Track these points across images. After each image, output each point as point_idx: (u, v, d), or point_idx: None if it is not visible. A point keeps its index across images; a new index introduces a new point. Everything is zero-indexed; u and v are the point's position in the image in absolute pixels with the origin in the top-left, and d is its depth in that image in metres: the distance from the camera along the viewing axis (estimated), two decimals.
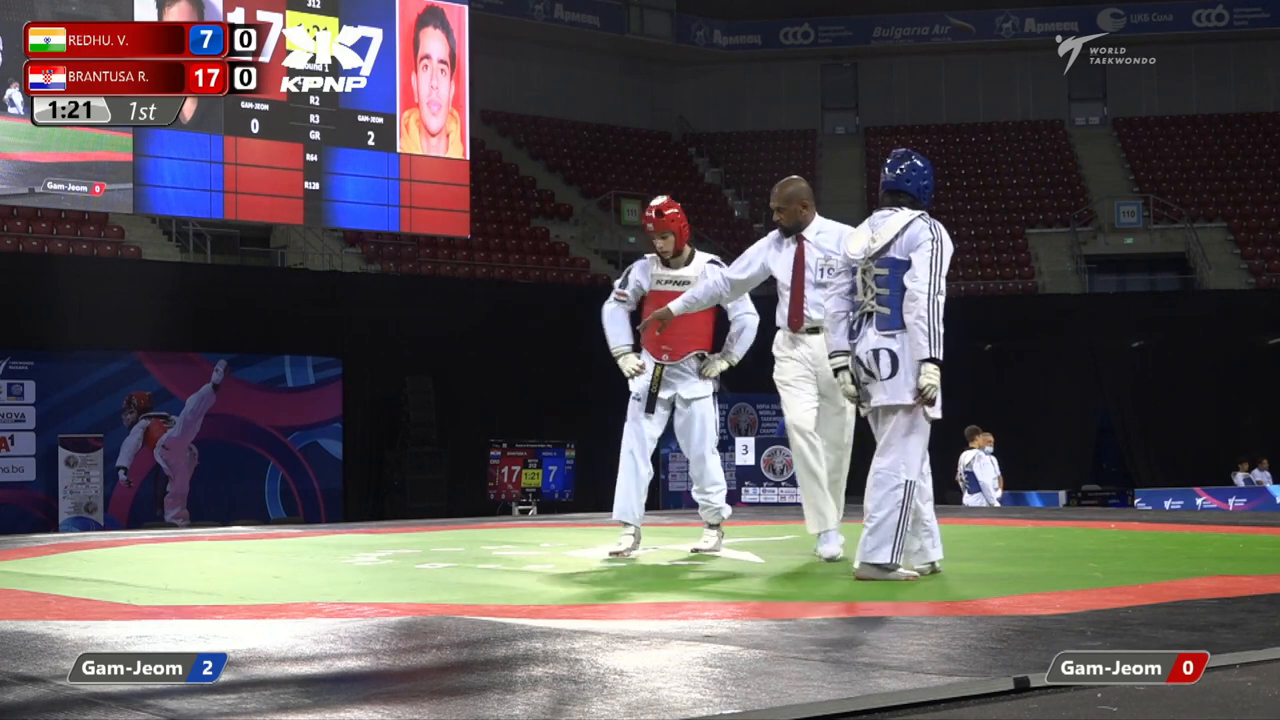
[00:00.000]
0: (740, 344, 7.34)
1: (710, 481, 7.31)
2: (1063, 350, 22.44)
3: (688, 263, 7.30)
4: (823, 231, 6.62)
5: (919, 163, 5.93)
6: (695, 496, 7.44)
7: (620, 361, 7.35)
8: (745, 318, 7.31)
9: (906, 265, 5.66)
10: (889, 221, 5.76)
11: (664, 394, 7.22)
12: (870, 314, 5.73)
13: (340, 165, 18.50)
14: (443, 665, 3.87)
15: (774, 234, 6.75)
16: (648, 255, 7.44)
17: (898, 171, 5.90)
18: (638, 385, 7.26)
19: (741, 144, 30.99)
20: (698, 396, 7.26)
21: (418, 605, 5.23)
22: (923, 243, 5.66)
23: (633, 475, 7.19)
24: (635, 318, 7.43)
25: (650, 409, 7.18)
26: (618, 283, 7.50)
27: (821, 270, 6.50)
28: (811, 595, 5.50)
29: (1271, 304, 23.62)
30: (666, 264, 7.31)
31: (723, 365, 7.32)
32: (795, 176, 6.88)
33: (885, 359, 5.67)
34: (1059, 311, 23.67)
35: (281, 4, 18.00)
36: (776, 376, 6.68)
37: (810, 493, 6.58)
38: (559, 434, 18.27)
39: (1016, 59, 30.97)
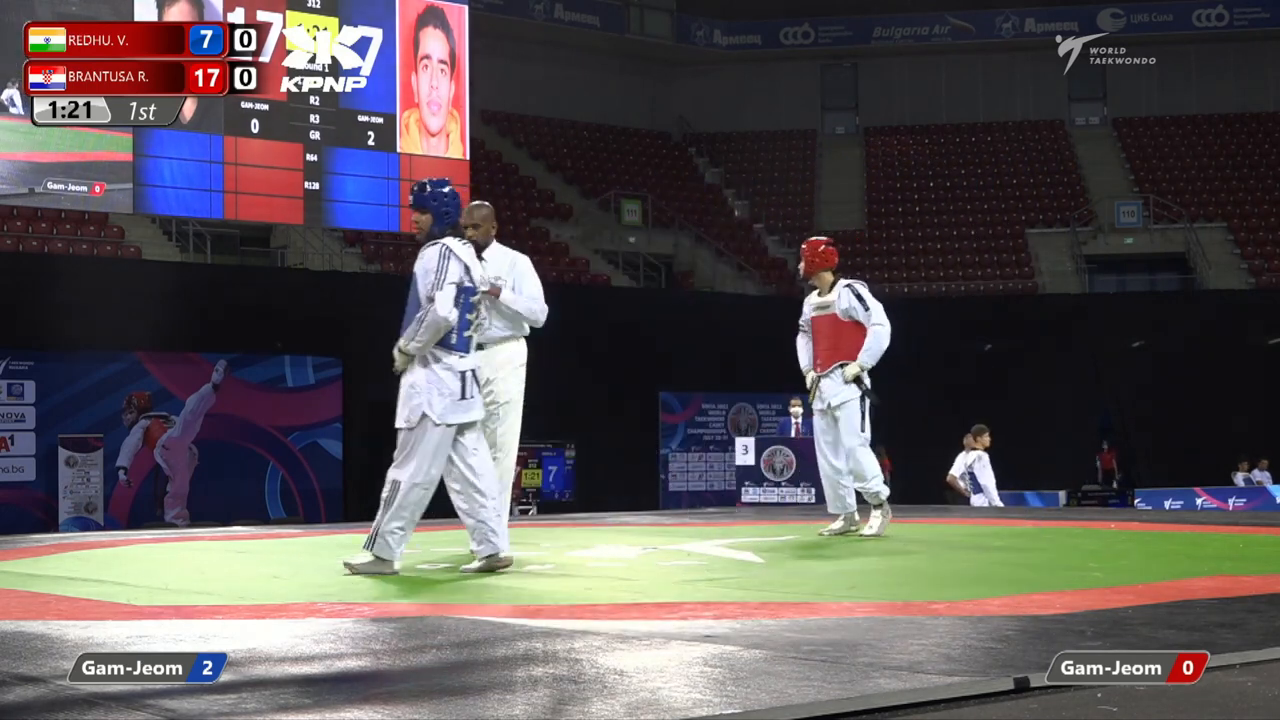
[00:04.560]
0: (867, 349, 8.35)
1: (861, 472, 8.38)
2: (1063, 350, 22.42)
3: (830, 289, 8.53)
4: (495, 252, 7.46)
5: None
6: (856, 486, 8.50)
7: (806, 378, 8.71)
8: (876, 329, 8.37)
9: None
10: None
11: (818, 405, 8.48)
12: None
13: (340, 165, 18.50)
14: (443, 665, 3.87)
15: None
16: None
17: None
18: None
19: (741, 144, 30.96)
20: (842, 401, 8.38)
21: (418, 605, 5.23)
22: None
23: (825, 476, 8.56)
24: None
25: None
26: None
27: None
28: (811, 595, 5.49)
29: (1271, 304, 23.60)
30: (819, 294, 8.60)
31: (855, 369, 8.34)
32: (484, 201, 7.60)
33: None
34: (1059, 311, 23.65)
35: (281, 4, 18.00)
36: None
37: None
38: (559, 434, 18.25)
39: (1016, 59, 30.96)
